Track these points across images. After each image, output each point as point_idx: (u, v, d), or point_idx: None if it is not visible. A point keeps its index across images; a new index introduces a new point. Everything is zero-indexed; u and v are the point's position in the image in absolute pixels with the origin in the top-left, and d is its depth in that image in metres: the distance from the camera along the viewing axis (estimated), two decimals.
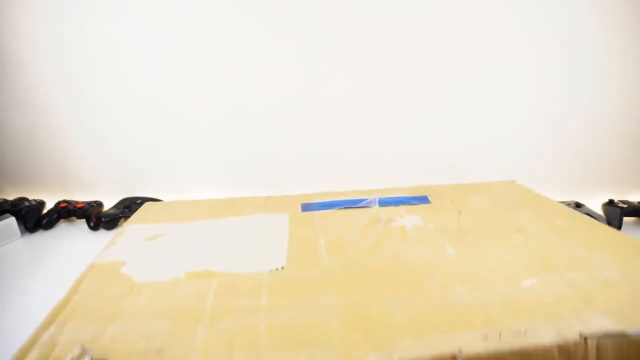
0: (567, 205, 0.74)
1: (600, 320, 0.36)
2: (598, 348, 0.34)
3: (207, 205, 0.71)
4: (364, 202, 0.68)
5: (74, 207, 0.76)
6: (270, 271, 0.47)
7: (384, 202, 0.68)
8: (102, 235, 0.74)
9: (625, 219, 0.73)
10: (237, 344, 0.35)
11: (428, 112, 0.77)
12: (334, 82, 0.75)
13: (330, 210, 0.66)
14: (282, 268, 0.47)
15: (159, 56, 0.74)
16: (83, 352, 0.34)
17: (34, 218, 0.74)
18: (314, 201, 0.71)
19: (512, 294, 0.40)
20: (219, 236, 0.59)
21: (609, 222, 0.71)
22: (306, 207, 0.68)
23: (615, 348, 0.34)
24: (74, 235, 0.74)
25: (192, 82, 0.75)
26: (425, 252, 0.50)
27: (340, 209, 0.66)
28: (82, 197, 0.81)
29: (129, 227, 0.63)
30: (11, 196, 0.82)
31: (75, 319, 0.40)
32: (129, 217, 0.72)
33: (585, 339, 0.34)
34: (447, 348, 0.33)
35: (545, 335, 0.34)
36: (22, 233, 0.73)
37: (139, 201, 0.76)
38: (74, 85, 0.75)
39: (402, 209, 0.64)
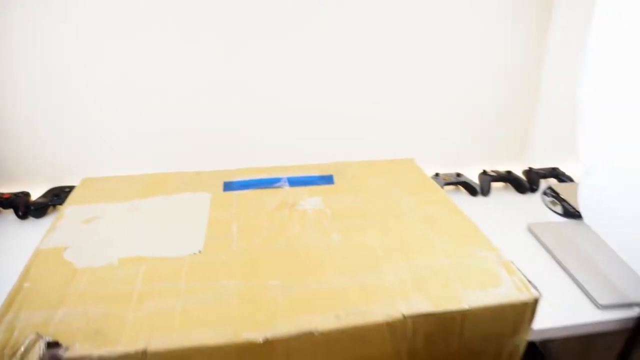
0: (449, 175, 0.90)
1: (420, 303, 0.49)
2: (414, 324, 0.47)
3: (140, 181, 0.76)
4: (278, 183, 0.77)
5: (1, 197, 0.78)
6: (189, 255, 0.57)
7: (294, 182, 0.77)
8: (32, 223, 0.77)
9: (494, 183, 0.91)
10: (157, 324, 0.45)
11: (340, 94, 0.89)
12: (252, 53, 0.82)
13: (247, 191, 0.75)
14: (200, 252, 0.58)
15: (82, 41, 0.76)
16: (37, 337, 0.42)
17: None
18: (236, 179, 0.79)
19: (368, 281, 0.52)
20: (148, 218, 0.66)
21: (482, 187, 0.88)
22: (228, 186, 0.77)
23: (427, 324, 0.48)
24: (2, 225, 0.76)
25: (116, 68, 0.79)
26: (315, 237, 0.62)
27: (257, 189, 0.76)
28: (8, 189, 0.81)
29: (67, 210, 0.67)
30: None
31: (28, 305, 0.48)
32: (58, 204, 0.75)
33: (405, 317, 0.47)
34: (308, 326, 0.45)
35: (377, 315, 0.47)
36: None
37: (68, 189, 0.79)
38: None
39: (308, 189, 0.75)
